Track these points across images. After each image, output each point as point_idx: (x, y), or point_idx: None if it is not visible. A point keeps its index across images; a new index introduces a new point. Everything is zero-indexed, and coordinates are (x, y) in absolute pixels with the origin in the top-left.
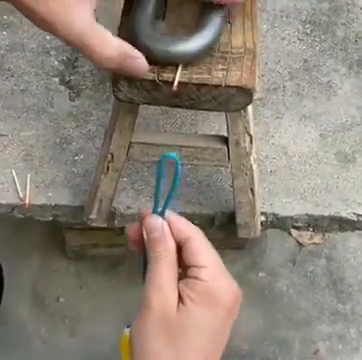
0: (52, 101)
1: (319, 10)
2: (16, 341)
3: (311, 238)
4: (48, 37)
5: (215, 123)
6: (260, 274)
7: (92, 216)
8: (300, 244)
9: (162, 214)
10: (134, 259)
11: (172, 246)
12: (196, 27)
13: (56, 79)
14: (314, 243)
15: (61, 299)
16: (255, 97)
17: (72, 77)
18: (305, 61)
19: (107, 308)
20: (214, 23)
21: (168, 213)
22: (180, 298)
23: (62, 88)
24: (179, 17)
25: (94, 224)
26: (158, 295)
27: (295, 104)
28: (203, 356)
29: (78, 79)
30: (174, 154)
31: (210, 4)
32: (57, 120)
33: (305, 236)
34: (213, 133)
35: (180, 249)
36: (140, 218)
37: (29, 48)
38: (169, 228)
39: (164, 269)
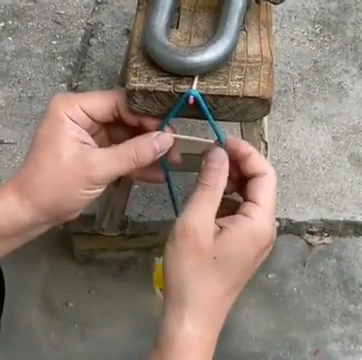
0: None
1: (328, 9)
2: (26, 346)
3: (321, 238)
4: (54, 42)
5: (225, 128)
6: (270, 275)
7: (104, 225)
8: (310, 244)
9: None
10: (143, 263)
11: (223, 183)
12: (211, 36)
13: (63, 85)
14: (324, 243)
15: (70, 303)
16: None
17: (80, 83)
18: (315, 62)
19: (117, 312)
20: (230, 32)
21: (249, 149)
22: (220, 230)
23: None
24: (193, 26)
25: (106, 233)
26: (196, 220)
27: (306, 106)
28: (229, 286)
29: (86, 84)
30: (197, 92)
31: (225, 12)
32: None
33: (315, 236)
34: None
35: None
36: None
37: (35, 53)
38: (240, 163)
39: (207, 199)
